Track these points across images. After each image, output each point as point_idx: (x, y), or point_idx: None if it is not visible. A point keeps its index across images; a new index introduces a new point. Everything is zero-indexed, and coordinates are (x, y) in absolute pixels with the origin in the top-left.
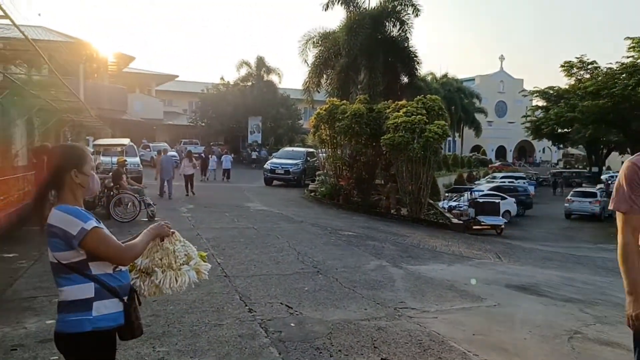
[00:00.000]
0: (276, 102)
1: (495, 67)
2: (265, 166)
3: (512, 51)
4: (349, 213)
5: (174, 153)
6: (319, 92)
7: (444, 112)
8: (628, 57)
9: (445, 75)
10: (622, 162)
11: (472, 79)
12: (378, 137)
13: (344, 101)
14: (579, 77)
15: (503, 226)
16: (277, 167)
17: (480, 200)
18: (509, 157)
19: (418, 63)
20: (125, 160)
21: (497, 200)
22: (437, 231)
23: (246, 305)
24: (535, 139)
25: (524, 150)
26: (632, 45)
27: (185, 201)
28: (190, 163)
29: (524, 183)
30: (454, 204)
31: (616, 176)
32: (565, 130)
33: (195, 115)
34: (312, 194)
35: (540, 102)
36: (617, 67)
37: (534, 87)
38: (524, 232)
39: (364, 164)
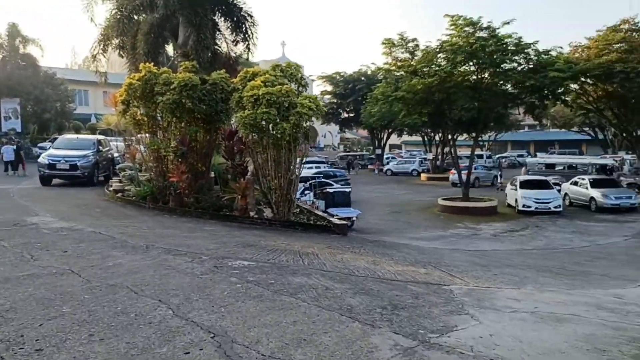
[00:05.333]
0: (39, 81)
1: (278, 53)
2: (40, 160)
3: (294, 39)
4: (192, 220)
5: None
6: (122, 55)
7: (307, 82)
8: (448, 35)
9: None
10: None
11: (256, 64)
12: (214, 117)
13: (165, 69)
14: (397, 56)
15: (356, 218)
16: (59, 161)
17: (331, 190)
18: None
19: (254, 25)
20: None
21: (348, 189)
22: (329, 239)
23: None
24: (323, 123)
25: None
26: (451, 23)
27: None
28: None
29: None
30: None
31: (393, 158)
32: (351, 114)
33: None
34: (120, 194)
35: (329, 87)
36: (436, 46)
37: (322, 72)
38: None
39: (197, 152)
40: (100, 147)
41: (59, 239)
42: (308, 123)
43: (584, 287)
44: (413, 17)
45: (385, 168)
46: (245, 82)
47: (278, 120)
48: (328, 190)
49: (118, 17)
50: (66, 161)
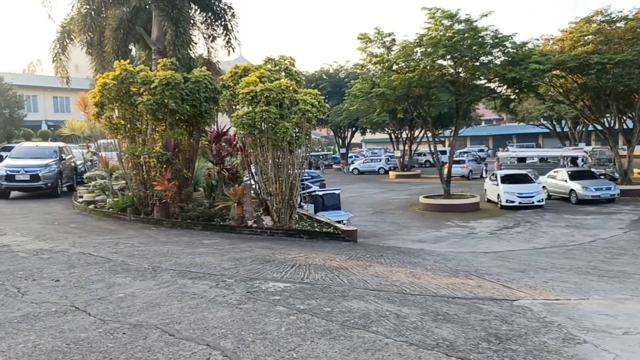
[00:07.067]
0: None
1: (235, 54)
2: None
3: (250, 38)
4: (184, 233)
5: None
6: (90, 53)
7: (302, 77)
8: (425, 28)
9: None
10: None
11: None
12: (198, 118)
13: (142, 66)
14: (372, 52)
15: (347, 221)
16: (18, 172)
17: (320, 193)
18: None
19: (234, 17)
20: None
21: (337, 191)
22: (343, 247)
23: None
24: None
25: None
26: (430, 16)
27: None
28: None
29: None
30: None
31: (357, 157)
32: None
33: None
34: (93, 206)
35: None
36: (414, 40)
37: None
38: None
39: (181, 157)
40: (63, 155)
41: (43, 264)
42: (311, 123)
43: None
44: (373, 15)
45: (351, 167)
46: (236, 79)
47: (278, 119)
48: (317, 193)
49: (85, 11)
50: (26, 171)
